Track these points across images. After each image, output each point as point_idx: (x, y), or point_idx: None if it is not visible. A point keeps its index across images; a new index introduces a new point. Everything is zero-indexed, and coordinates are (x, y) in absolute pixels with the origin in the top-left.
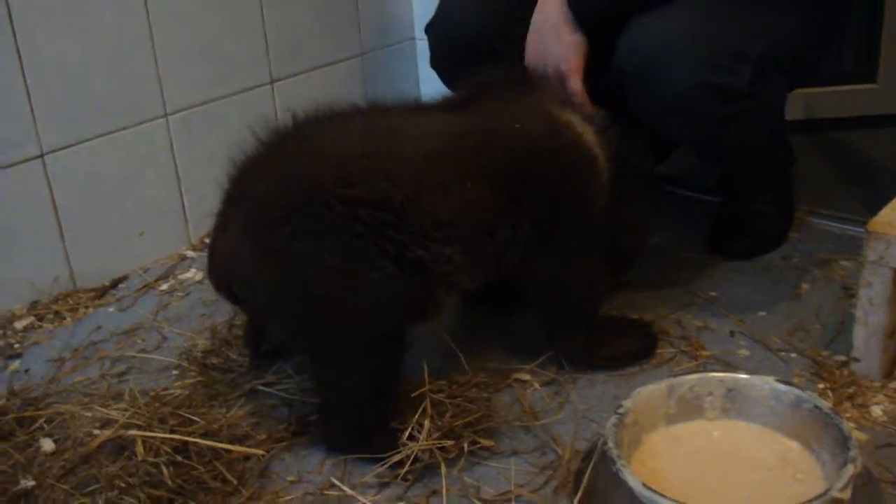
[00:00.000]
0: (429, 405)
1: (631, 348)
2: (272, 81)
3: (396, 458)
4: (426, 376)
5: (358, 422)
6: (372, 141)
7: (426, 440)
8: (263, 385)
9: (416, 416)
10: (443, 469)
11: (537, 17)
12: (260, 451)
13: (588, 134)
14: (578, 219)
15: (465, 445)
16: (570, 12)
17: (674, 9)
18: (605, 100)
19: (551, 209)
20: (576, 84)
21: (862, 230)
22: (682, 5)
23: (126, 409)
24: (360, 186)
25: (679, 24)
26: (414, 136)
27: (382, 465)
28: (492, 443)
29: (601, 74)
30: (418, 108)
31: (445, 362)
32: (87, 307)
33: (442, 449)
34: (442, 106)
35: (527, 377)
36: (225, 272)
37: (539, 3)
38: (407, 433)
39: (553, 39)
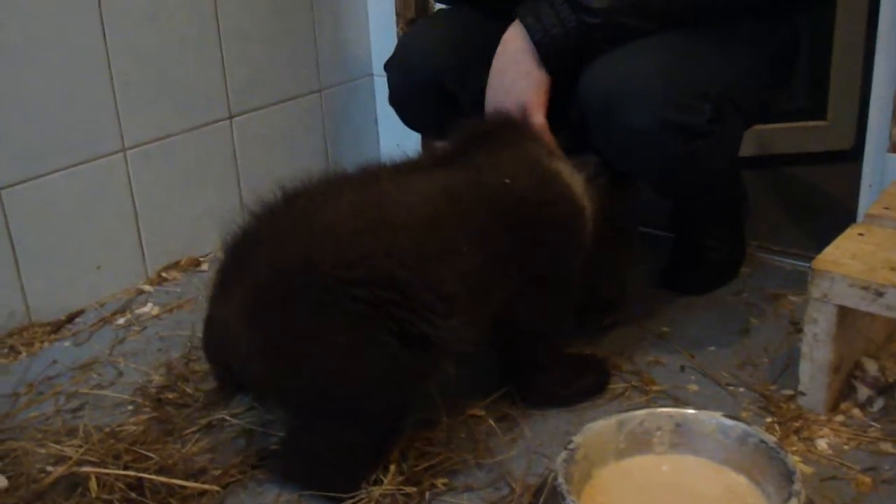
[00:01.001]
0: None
1: (586, 385)
2: (231, 116)
3: (359, 501)
4: None
5: (325, 462)
6: (366, 213)
7: (390, 484)
8: (220, 419)
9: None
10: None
11: (500, 53)
12: (215, 488)
13: (577, 184)
14: (560, 270)
15: (427, 492)
16: (535, 48)
17: (635, 48)
18: (571, 135)
19: (535, 261)
20: (538, 119)
21: (809, 266)
22: (642, 44)
23: (80, 446)
24: (359, 267)
25: (640, 62)
26: (408, 203)
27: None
28: (445, 480)
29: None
30: (407, 168)
31: None
32: (42, 341)
33: (405, 494)
34: (430, 162)
35: (480, 412)
36: (221, 348)
37: (503, 38)
38: (372, 478)
39: (516, 74)
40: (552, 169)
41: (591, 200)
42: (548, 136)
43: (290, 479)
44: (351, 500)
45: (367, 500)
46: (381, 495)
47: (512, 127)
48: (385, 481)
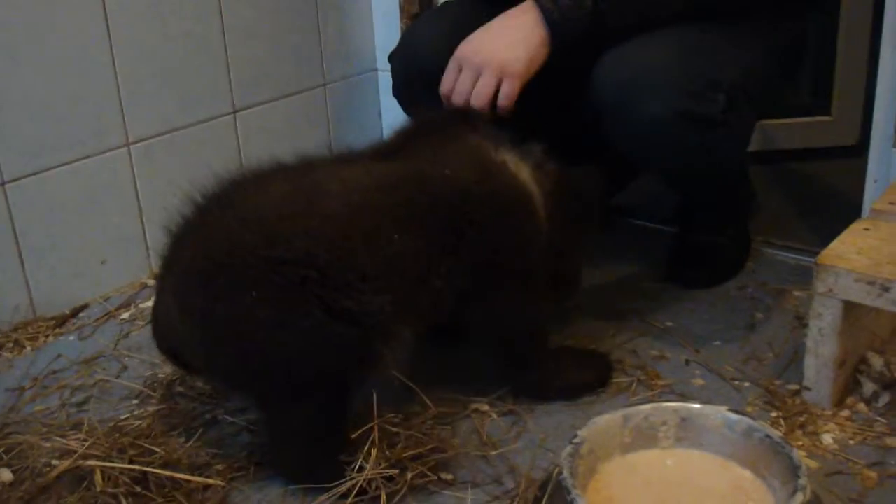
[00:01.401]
0: (376, 436)
1: (585, 379)
2: (235, 111)
3: (342, 488)
4: (375, 409)
5: (304, 456)
6: (293, 200)
7: (372, 470)
8: (224, 414)
9: (366, 448)
10: (383, 498)
11: (502, 20)
12: (219, 482)
13: (523, 172)
14: (516, 261)
15: (409, 476)
16: (549, 30)
17: (647, 39)
18: (570, 129)
19: (487, 254)
20: (513, 90)
21: (814, 261)
22: (654, 36)
23: (85, 440)
24: (279, 246)
25: (654, 53)
26: (338, 191)
27: (328, 495)
28: (450, 476)
29: (569, 106)
30: (346, 160)
31: (402, 395)
32: (47, 336)
33: (390, 479)
34: (371, 154)
35: (485, 408)
36: (165, 336)
37: (512, 11)
38: (357, 464)
39: (514, 42)
40: (496, 160)
41: (541, 186)
42: (511, 107)
43: (283, 477)
44: (336, 487)
45: (350, 486)
46: (366, 482)
47: (456, 121)
48: (367, 467)
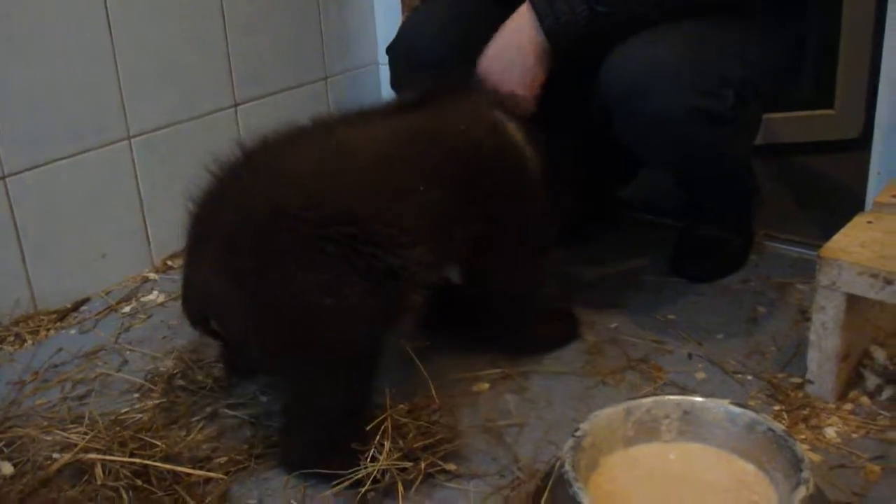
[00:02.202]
0: (390, 427)
1: (563, 332)
2: (236, 105)
3: (356, 477)
4: (388, 400)
5: (321, 440)
6: (325, 159)
7: (386, 461)
8: (225, 408)
9: (378, 438)
10: (399, 490)
11: (504, 34)
12: (220, 475)
13: (519, 136)
14: (520, 213)
15: (423, 466)
16: (545, 40)
17: (655, 36)
18: (580, 122)
19: (497, 204)
20: (527, 108)
21: (817, 254)
22: (661, 33)
23: (86, 433)
24: (322, 207)
25: (662, 50)
26: (365, 147)
27: (341, 482)
28: (454, 466)
29: (576, 101)
30: (362, 117)
31: (409, 383)
32: (48, 329)
33: (402, 470)
34: (385, 111)
35: (486, 390)
36: (200, 307)
37: (510, 20)
38: (368, 455)
39: (515, 61)
40: (501, 121)
41: (534, 152)
42: (529, 106)
43: (291, 466)
44: (349, 476)
45: (365, 475)
46: (379, 471)
47: (466, 84)
48: (381, 458)
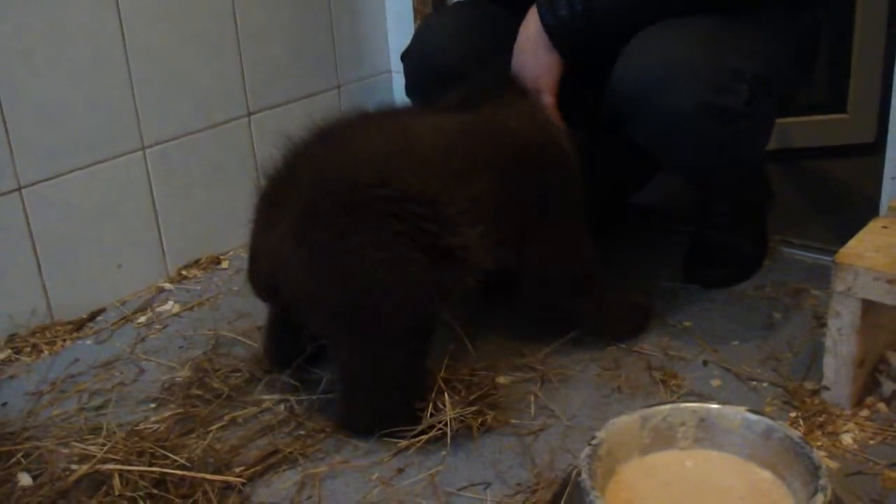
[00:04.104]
0: (443, 385)
1: (629, 319)
2: (249, 114)
3: (422, 430)
4: (446, 360)
5: (384, 406)
6: (394, 141)
7: (452, 411)
8: (242, 416)
9: (433, 395)
10: (474, 431)
11: (520, 34)
12: (240, 479)
13: (562, 136)
14: (568, 203)
15: (489, 418)
16: (547, 32)
17: (668, 32)
18: (593, 125)
19: (545, 194)
20: (548, 100)
21: (832, 260)
22: (674, 29)
23: (104, 444)
24: (392, 185)
25: (675, 46)
26: (429, 134)
27: (415, 435)
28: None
29: (591, 101)
30: (422, 110)
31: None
32: (64, 340)
33: (461, 421)
34: (442, 108)
35: (503, 409)
36: (269, 272)
37: (524, 20)
38: (428, 411)
39: (530, 57)
40: (547, 120)
41: (574, 149)
42: (556, 116)
43: (355, 431)
44: (422, 430)
45: (435, 423)
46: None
47: (515, 85)
48: (446, 409)
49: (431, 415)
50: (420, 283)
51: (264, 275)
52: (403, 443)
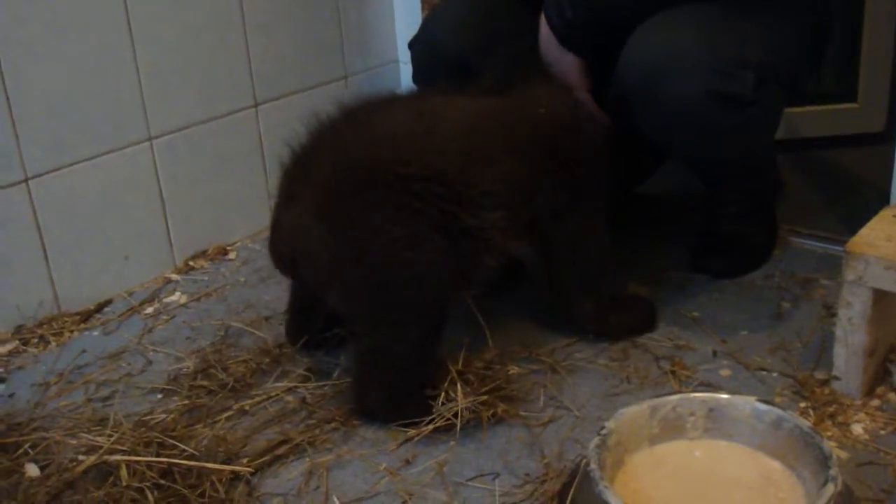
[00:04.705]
0: (456, 375)
1: (638, 320)
2: (256, 105)
3: (434, 419)
4: (464, 353)
5: (396, 385)
6: (419, 121)
7: (464, 400)
8: (250, 406)
9: (445, 385)
10: (484, 421)
11: (539, 35)
12: (247, 469)
13: (591, 123)
14: (594, 188)
15: (499, 410)
16: (555, 36)
17: (673, 20)
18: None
19: (573, 179)
20: (581, 96)
21: (842, 249)
22: (680, 16)
23: (111, 435)
24: (414, 164)
25: (681, 34)
26: (455, 116)
27: (425, 423)
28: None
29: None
30: (453, 93)
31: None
32: (71, 331)
33: (473, 412)
34: (472, 91)
35: (512, 400)
36: (289, 244)
37: (540, 22)
38: (439, 399)
39: (551, 57)
40: (577, 107)
41: (603, 139)
42: (597, 110)
43: (366, 412)
44: (432, 418)
45: (447, 414)
46: (459, 411)
47: (545, 72)
48: (459, 398)
49: (443, 404)
50: (437, 262)
51: (284, 247)
52: (413, 431)
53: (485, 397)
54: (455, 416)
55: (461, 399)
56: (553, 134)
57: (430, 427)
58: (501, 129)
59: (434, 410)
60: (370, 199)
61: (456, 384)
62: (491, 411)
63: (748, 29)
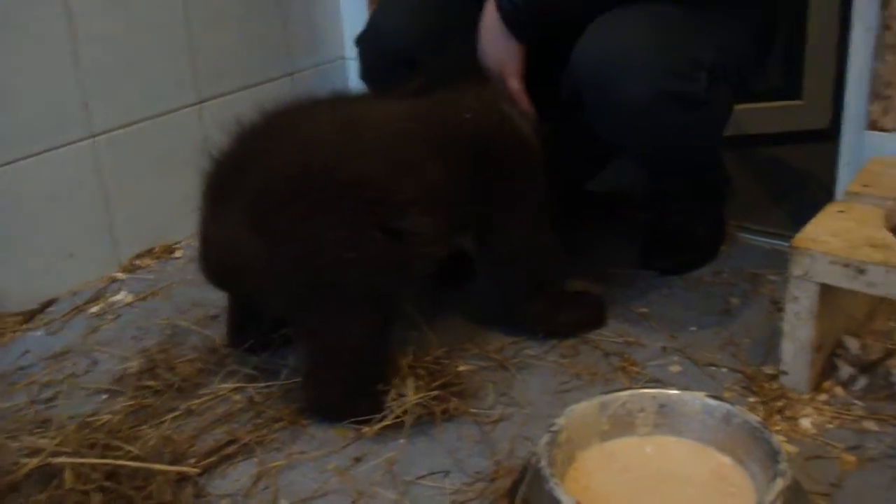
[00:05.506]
0: (407, 370)
1: (587, 316)
2: (200, 102)
3: (388, 416)
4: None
5: (349, 385)
6: (345, 128)
7: (415, 396)
8: (196, 406)
9: (395, 381)
10: (437, 417)
11: (481, 22)
12: (195, 470)
13: (525, 126)
14: (526, 194)
15: (450, 406)
16: (503, 21)
17: (626, 18)
18: (553, 110)
19: (501, 187)
20: (514, 85)
21: (789, 245)
22: (631, 14)
23: (54, 437)
24: (341, 170)
25: (633, 32)
26: (379, 121)
27: (376, 421)
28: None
29: (551, 86)
30: (375, 97)
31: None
32: (14, 331)
33: (425, 406)
34: (396, 95)
35: (462, 399)
36: (223, 259)
37: (485, 7)
38: (390, 395)
39: (492, 45)
40: (504, 110)
41: (538, 140)
42: (524, 100)
43: (320, 411)
44: (385, 415)
45: (399, 411)
46: (410, 408)
47: (475, 72)
48: (409, 395)
49: (393, 400)
50: (380, 258)
51: (217, 262)
52: (366, 428)
53: (436, 392)
54: (405, 412)
55: (412, 395)
56: (479, 139)
57: (381, 424)
58: (426, 134)
59: (385, 407)
60: (306, 206)
61: (405, 380)
62: (442, 407)
63: (701, 27)
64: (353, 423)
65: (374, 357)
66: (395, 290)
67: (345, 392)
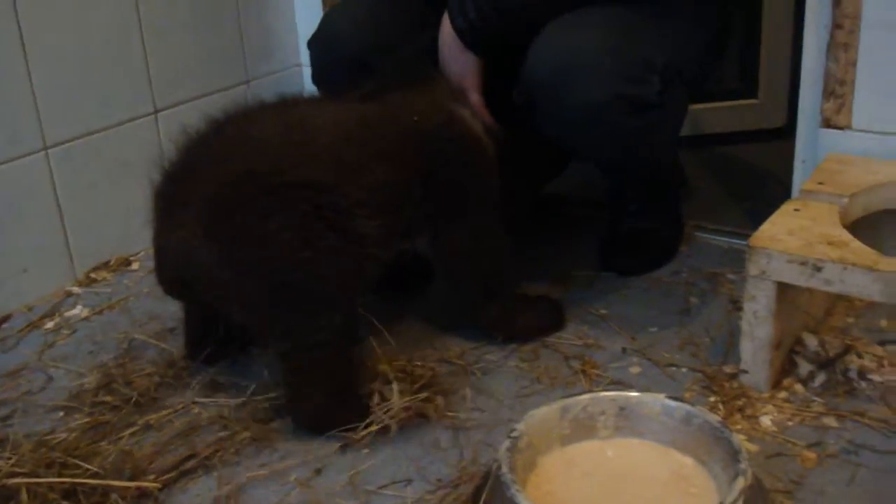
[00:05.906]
0: (390, 372)
1: (545, 320)
2: (156, 111)
3: (375, 421)
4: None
5: (328, 392)
6: (291, 132)
7: (401, 399)
8: (154, 420)
9: (376, 385)
10: (432, 414)
11: (439, 36)
12: (155, 485)
13: (478, 127)
14: (478, 196)
15: (440, 403)
16: (458, 37)
17: (579, 22)
18: (508, 115)
19: (451, 190)
20: (474, 98)
21: (746, 243)
22: (585, 19)
23: (10, 457)
24: (290, 174)
25: (586, 36)
26: (325, 124)
27: (365, 428)
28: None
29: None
30: (323, 100)
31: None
32: None
33: (407, 409)
34: (345, 99)
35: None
36: (179, 269)
37: (441, 22)
38: (375, 399)
39: (450, 59)
40: (457, 112)
41: (492, 141)
42: (484, 113)
43: (310, 425)
44: (370, 421)
45: (386, 416)
46: (395, 413)
47: (426, 76)
48: (394, 399)
49: (377, 405)
50: (335, 256)
51: (173, 272)
52: (354, 436)
53: (425, 394)
54: (392, 417)
55: (397, 398)
56: (428, 142)
57: (368, 431)
58: (373, 137)
59: (371, 410)
60: (257, 211)
61: (388, 384)
62: (433, 406)
63: (654, 30)
64: (341, 431)
65: (344, 358)
66: (353, 289)
67: (327, 400)
